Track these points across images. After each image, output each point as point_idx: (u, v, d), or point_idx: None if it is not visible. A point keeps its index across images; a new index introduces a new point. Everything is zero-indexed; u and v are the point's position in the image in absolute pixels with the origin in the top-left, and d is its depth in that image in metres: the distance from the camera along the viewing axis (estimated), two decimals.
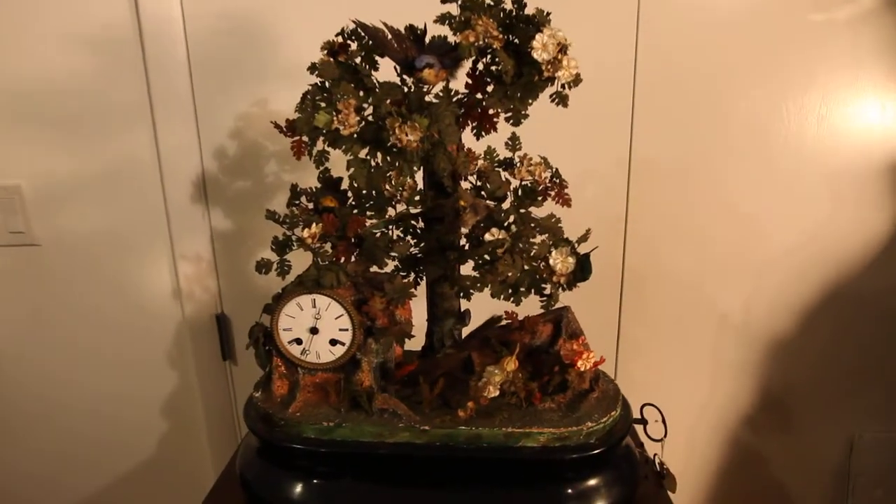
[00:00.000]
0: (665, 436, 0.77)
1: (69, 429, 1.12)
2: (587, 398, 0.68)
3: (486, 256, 0.61)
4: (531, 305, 0.67)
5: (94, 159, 0.99)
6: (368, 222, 0.63)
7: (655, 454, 0.79)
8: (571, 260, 0.60)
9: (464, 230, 0.65)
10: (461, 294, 0.69)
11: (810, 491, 1.14)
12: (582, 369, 0.67)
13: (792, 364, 1.08)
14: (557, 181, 0.68)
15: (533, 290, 0.61)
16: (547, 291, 0.61)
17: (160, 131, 0.97)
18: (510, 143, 0.69)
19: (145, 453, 1.13)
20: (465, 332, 0.74)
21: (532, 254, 0.61)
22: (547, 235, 0.62)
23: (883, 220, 0.99)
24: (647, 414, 0.76)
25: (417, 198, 0.67)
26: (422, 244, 0.69)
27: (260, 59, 0.95)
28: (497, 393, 0.64)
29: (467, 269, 0.68)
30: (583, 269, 0.66)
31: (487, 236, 0.60)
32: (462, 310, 0.75)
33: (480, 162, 0.69)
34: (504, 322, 0.72)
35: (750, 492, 1.15)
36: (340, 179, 0.69)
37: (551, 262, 0.60)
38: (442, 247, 0.68)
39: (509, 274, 0.60)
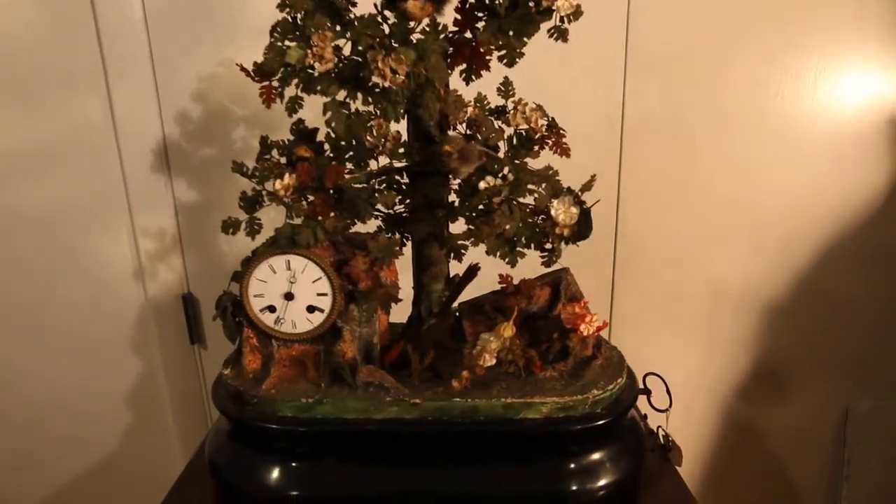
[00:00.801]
0: (670, 406, 0.73)
1: (21, 423, 1.02)
2: (590, 365, 0.63)
3: (481, 207, 0.55)
4: (525, 270, 0.61)
5: (42, 126, 0.90)
6: (348, 175, 0.56)
7: (659, 426, 0.74)
8: (575, 210, 0.54)
9: (454, 183, 0.59)
10: (452, 254, 0.63)
11: (806, 462, 1.12)
12: (585, 334, 0.62)
13: (787, 333, 1.05)
14: (554, 129, 0.63)
15: (532, 245, 0.56)
16: (548, 246, 0.56)
17: (115, 94, 0.89)
18: (503, 88, 0.63)
19: (106, 448, 1.05)
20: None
21: (531, 205, 0.55)
22: (545, 185, 0.56)
23: (881, 180, 0.97)
24: (650, 384, 0.72)
25: (402, 150, 0.61)
26: (407, 202, 0.63)
27: (225, 15, 0.87)
28: (493, 362, 0.59)
29: (457, 230, 0.63)
30: (582, 224, 0.61)
31: (482, 184, 0.54)
32: (451, 275, 0.69)
33: (470, 109, 0.63)
34: (499, 287, 0.67)
35: (745, 464, 1.12)
36: (316, 130, 0.62)
37: (553, 212, 0.54)
38: (430, 204, 0.62)
39: (507, 226, 0.54)
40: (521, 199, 0.58)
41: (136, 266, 0.97)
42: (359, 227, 0.63)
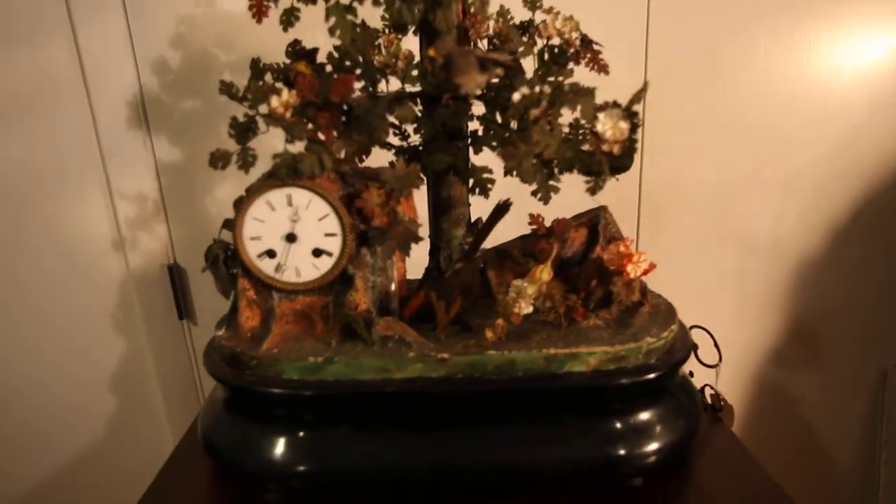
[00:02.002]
0: (720, 361, 0.65)
1: None
2: (638, 313, 0.55)
3: (513, 126, 0.47)
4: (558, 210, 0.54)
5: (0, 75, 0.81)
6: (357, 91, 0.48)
7: (706, 384, 0.67)
8: (624, 126, 0.46)
9: (474, 100, 0.51)
10: (477, 189, 0.55)
11: (841, 427, 1.05)
12: (631, 276, 0.54)
13: (821, 289, 0.98)
14: (589, 44, 0.55)
15: (576, 168, 0.48)
16: (593, 168, 0.47)
17: (81, 38, 0.79)
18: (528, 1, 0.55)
19: (90, 435, 0.96)
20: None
21: (573, 119, 0.47)
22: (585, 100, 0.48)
23: None
24: (695, 337, 0.64)
25: (415, 72, 0.53)
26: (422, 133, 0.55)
27: None
28: (530, 309, 0.51)
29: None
30: (625, 151, 0.53)
31: (516, 96, 0.45)
32: (473, 219, 0.61)
33: (492, 23, 0.55)
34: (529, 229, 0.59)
35: (778, 429, 1.05)
36: (316, 50, 0.53)
37: (599, 127, 0.46)
38: (449, 134, 0.54)
39: (546, 145, 0.46)
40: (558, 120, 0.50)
41: (114, 235, 0.88)
42: (369, 163, 0.55)
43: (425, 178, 0.58)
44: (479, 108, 0.55)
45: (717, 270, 0.97)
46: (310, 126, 0.46)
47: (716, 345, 0.65)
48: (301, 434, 0.50)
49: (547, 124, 0.46)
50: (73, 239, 0.87)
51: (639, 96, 0.47)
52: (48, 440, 0.96)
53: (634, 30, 0.84)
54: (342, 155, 0.47)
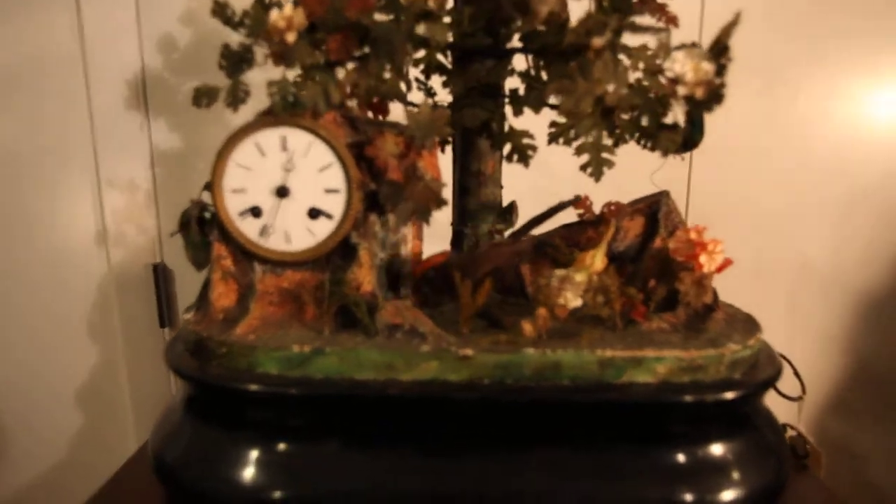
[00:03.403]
0: (804, 393, 0.53)
1: None
2: (710, 319, 0.44)
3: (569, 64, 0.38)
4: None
5: None
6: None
7: (785, 423, 0.55)
8: (708, 67, 0.37)
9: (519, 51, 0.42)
10: (515, 155, 0.45)
11: None
12: (705, 270, 0.43)
13: (890, 327, 0.85)
14: None
15: (645, 119, 0.38)
16: (668, 120, 0.38)
17: (85, 13, 0.73)
18: None
19: (51, 458, 0.84)
20: None
21: (643, 61, 0.38)
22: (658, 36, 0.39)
23: None
24: None
25: (448, 19, 0.44)
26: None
27: None
28: (579, 302, 0.40)
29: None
30: (694, 125, 0.44)
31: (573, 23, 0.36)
32: (506, 205, 0.51)
33: None
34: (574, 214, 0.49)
35: (835, 489, 0.90)
36: None
37: (678, 67, 0.37)
38: (483, 92, 0.45)
39: (609, 87, 0.36)
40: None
41: (98, 226, 0.79)
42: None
43: (451, 143, 0.48)
44: (518, 64, 0.47)
45: (766, 298, 0.85)
46: (318, 52, 0.37)
47: (796, 374, 0.53)
48: (279, 448, 0.38)
49: (612, 60, 0.36)
50: (52, 227, 0.78)
51: (728, 31, 0.38)
52: (9, 445, 0.84)
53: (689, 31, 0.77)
54: (354, 91, 0.38)
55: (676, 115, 0.38)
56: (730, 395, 0.38)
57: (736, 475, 0.40)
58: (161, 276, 0.80)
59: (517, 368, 0.37)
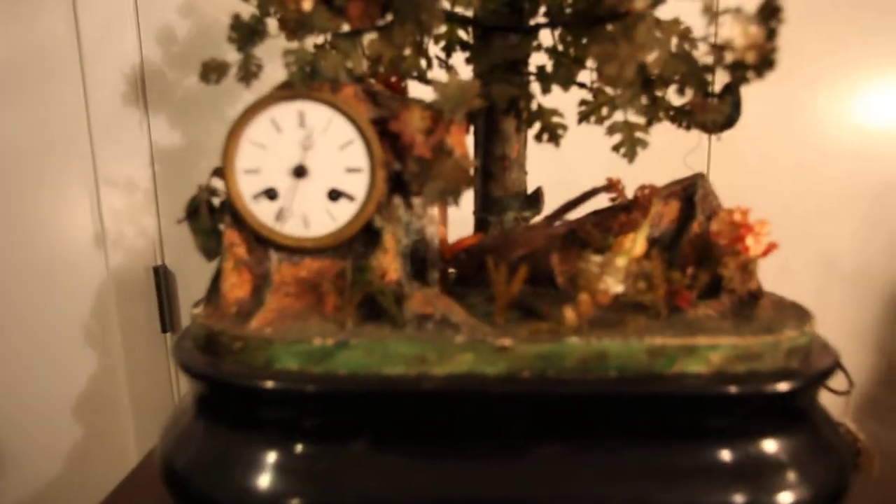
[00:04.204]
0: (851, 386, 0.50)
1: None
2: (758, 306, 0.41)
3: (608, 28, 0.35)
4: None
5: None
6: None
7: (840, 422, 0.52)
8: (756, 31, 0.34)
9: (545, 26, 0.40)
10: (545, 134, 0.43)
11: None
12: (753, 253, 0.41)
13: None
14: None
15: (687, 86, 0.35)
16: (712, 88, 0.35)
17: (80, 2, 0.71)
18: None
19: (50, 468, 0.80)
20: None
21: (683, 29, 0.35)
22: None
23: None
24: None
25: None
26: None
27: None
28: (620, 288, 0.37)
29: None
30: (734, 101, 0.41)
31: None
32: (532, 191, 0.48)
33: None
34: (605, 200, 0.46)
35: (871, 494, 0.87)
36: None
37: (727, 31, 0.34)
38: (509, 68, 0.42)
39: (653, 53, 0.33)
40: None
41: (96, 228, 0.76)
42: None
43: (474, 127, 0.46)
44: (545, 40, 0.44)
45: (792, 296, 0.82)
46: (334, 22, 0.34)
47: (842, 368, 0.50)
48: (299, 450, 0.35)
49: (655, 24, 0.34)
50: (48, 229, 0.75)
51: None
52: (6, 455, 0.80)
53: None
54: (376, 64, 0.35)
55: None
56: (790, 385, 0.35)
57: (797, 475, 0.37)
58: (162, 279, 0.77)
59: (559, 359, 0.34)
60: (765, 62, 0.34)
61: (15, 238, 0.75)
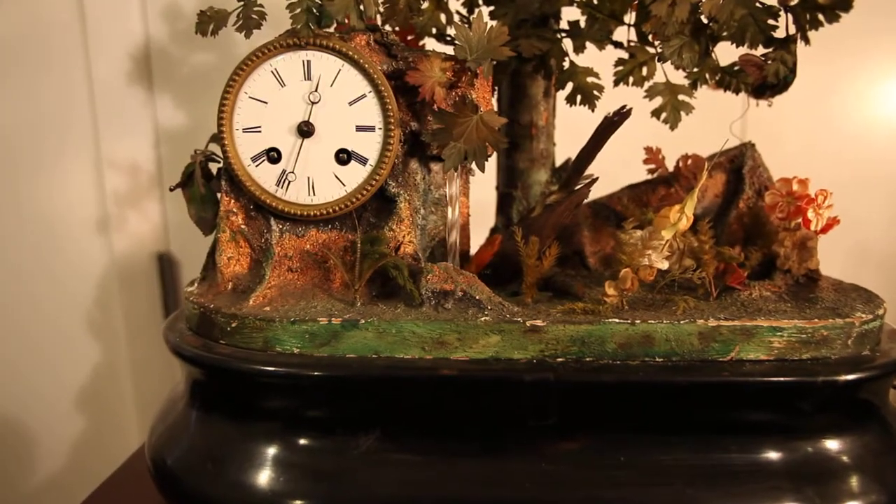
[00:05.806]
0: None
1: None
2: (817, 288, 0.36)
3: None
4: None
5: None
6: None
7: None
8: None
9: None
10: (579, 96, 0.38)
11: None
12: (814, 227, 0.36)
13: None
14: None
15: (750, 37, 0.31)
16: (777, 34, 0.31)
17: None
18: None
19: (52, 462, 0.77)
20: None
21: None
22: None
23: None
24: None
25: None
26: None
27: None
28: (665, 265, 0.33)
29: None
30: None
31: None
32: (561, 163, 0.44)
33: None
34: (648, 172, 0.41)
35: None
36: None
37: None
38: (537, 24, 0.38)
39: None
40: None
41: (99, 212, 0.73)
42: None
43: (497, 94, 0.42)
44: None
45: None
46: None
47: None
48: (302, 444, 0.31)
49: None
50: (49, 213, 0.72)
51: None
52: (7, 449, 0.77)
53: None
54: (390, 13, 0.31)
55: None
56: (865, 373, 0.30)
57: (870, 476, 0.32)
58: (167, 266, 0.74)
59: (598, 343, 0.30)
60: (839, 3, 0.29)
61: (14, 222, 0.72)
